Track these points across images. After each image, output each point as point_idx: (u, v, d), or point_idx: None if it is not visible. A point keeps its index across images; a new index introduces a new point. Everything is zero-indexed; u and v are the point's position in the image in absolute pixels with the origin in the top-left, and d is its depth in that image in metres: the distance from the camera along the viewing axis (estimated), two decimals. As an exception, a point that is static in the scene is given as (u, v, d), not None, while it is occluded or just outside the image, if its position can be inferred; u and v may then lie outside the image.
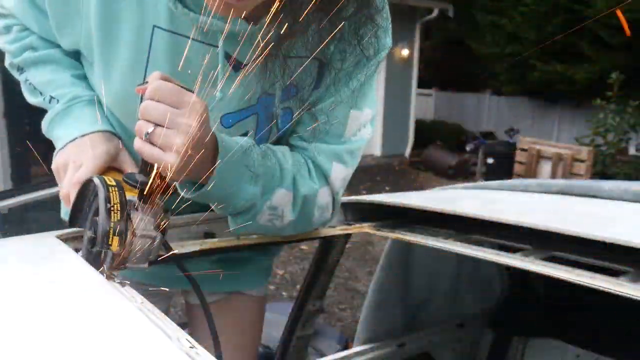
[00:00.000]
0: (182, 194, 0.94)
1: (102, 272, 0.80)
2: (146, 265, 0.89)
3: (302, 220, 1.10)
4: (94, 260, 0.83)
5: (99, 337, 0.58)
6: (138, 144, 0.84)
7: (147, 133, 0.82)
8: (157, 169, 0.84)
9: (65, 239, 1.01)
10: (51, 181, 2.37)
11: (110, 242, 0.80)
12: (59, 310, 0.65)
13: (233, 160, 0.92)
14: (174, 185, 0.91)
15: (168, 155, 0.82)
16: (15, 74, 1.15)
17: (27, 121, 6.61)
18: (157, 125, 0.82)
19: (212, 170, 0.90)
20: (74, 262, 0.86)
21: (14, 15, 1.12)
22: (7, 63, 1.16)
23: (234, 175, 0.94)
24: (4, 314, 0.64)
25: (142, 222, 0.86)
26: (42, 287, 0.72)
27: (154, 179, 0.86)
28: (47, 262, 0.87)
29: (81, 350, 0.55)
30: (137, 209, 0.87)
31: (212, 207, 1.00)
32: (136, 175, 0.89)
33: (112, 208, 0.81)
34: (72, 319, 0.63)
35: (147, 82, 0.84)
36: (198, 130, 0.82)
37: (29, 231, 1.08)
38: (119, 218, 0.81)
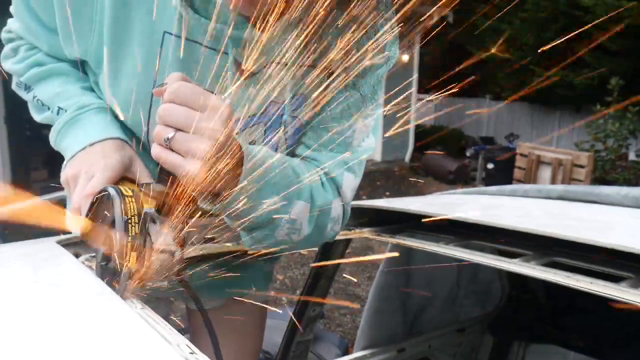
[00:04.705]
0: (202, 205, 0.87)
1: (117, 291, 0.75)
2: (165, 283, 0.82)
3: (317, 234, 1.06)
4: (109, 278, 0.77)
5: (98, 343, 0.58)
6: (156, 150, 0.78)
7: (167, 138, 0.76)
8: (177, 178, 0.78)
9: (65, 244, 1.01)
10: (51, 186, 2.37)
11: (127, 258, 0.74)
12: (59, 316, 0.65)
13: (256, 169, 0.87)
14: (195, 197, 0.83)
15: (190, 163, 0.76)
16: (22, 94, 1.12)
17: (27, 127, 6.63)
18: (177, 130, 0.76)
19: (237, 179, 0.85)
20: (74, 267, 0.86)
21: (21, 37, 1.10)
22: (13, 85, 1.13)
23: (256, 186, 0.88)
24: (4, 318, 0.64)
25: (160, 235, 0.80)
26: (42, 292, 0.72)
27: (173, 189, 0.80)
28: (47, 267, 0.86)
29: (81, 356, 0.55)
30: (154, 222, 0.81)
31: (227, 220, 0.95)
32: (154, 185, 0.82)
33: (129, 220, 0.75)
34: (72, 325, 0.63)
35: (165, 84, 0.78)
36: (223, 135, 0.76)
37: (29, 236, 1.07)
38: (137, 231, 0.75)
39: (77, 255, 0.96)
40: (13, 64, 1.12)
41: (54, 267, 0.86)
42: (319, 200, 1.02)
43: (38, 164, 7.40)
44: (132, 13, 0.95)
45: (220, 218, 0.92)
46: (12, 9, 1.08)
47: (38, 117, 1.11)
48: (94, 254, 0.96)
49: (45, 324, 0.62)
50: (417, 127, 12.81)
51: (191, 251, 1.06)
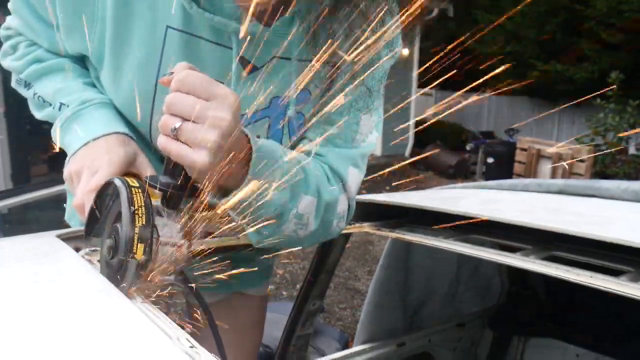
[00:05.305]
0: (209, 198, 0.86)
1: (122, 285, 0.73)
2: (172, 278, 0.80)
3: (322, 230, 1.04)
4: (114, 272, 0.75)
5: (98, 337, 0.58)
6: (163, 140, 0.76)
7: (174, 128, 0.75)
8: (184, 168, 0.77)
9: (66, 239, 1.01)
10: (51, 181, 2.37)
11: (134, 250, 0.72)
12: (59, 310, 0.65)
13: (264, 161, 0.86)
14: (202, 189, 0.82)
15: (197, 153, 0.75)
16: (22, 91, 1.10)
17: (27, 121, 6.63)
18: (184, 119, 0.75)
19: (246, 171, 0.84)
20: (74, 262, 0.86)
21: (20, 34, 1.09)
22: (13, 82, 1.12)
23: (265, 179, 0.87)
24: (3, 313, 0.64)
25: (167, 228, 0.79)
26: (42, 287, 0.72)
27: (180, 180, 0.79)
28: (47, 261, 0.86)
29: (81, 349, 0.55)
30: (161, 215, 0.80)
31: (233, 216, 0.93)
32: (160, 177, 0.80)
33: (136, 212, 0.73)
34: (72, 319, 0.63)
35: (172, 73, 0.77)
36: (231, 125, 0.76)
37: (29, 231, 1.07)
38: (144, 223, 0.73)
39: (77, 250, 0.96)
40: (12, 61, 1.11)
41: (54, 262, 0.86)
42: (325, 195, 1.01)
43: (38, 159, 7.40)
44: (134, 8, 0.95)
45: (225, 211, 0.91)
46: (10, 5, 1.07)
47: (39, 114, 1.10)
48: (94, 248, 0.96)
49: (45, 320, 0.62)
50: (417, 121, 12.81)
51: (194, 245, 1.05)
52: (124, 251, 0.72)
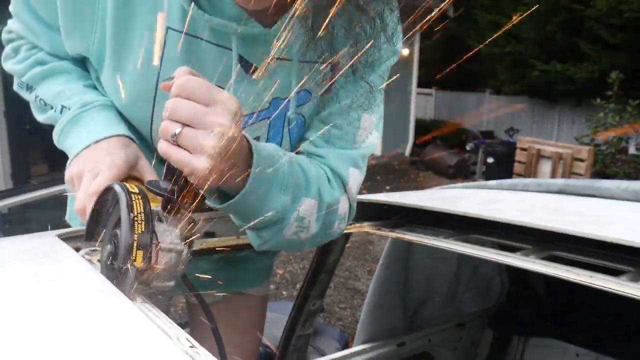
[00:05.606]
0: (209, 203, 0.87)
1: (124, 292, 0.73)
2: (172, 283, 0.80)
3: (323, 232, 1.04)
4: (115, 277, 0.75)
5: (98, 337, 0.58)
6: (163, 146, 0.76)
7: (175, 134, 0.74)
8: (184, 175, 0.77)
9: (66, 239, 1.01)
10: (51, 181, 2.37)
11: (133, 257, 0.72)
12: (59, 310, 0.65)
13: (265, 166, 0.86)
14: (202, 194, 0.82)
15: (198, 159, 0.74)
16: (24, 94, 1.10)
17: (27, 121, 6.63)
18: (185, 125, 0.74)
19: (246, 176, 0.84)
20: (74, 262, 0.86)
21: (22, 37, 1.09)
22: (15, 85, 1.11)
23: (265, 184, 0.88)
24: (3, 313, 0.64)
25: (167, 234, 0.79)
26: (42, 287, 0.72)
27: (180, 186, 0.79)
28: (47, 261, 0.86)
29: (81, 349, 0.55)
30: (161, 220, 0.80)
31: (234, 220, 0.94)
32: (160, 183, 0.81)
33: (135, 218, 0.73)
34: (72, 318, 0.63)
35: (173, 78, 0.77)
36: (231, 131, 0.75)
37: (29, 231, 1.07)
38: (143, 229, 0.73)
39: (77, 250, 0.96)
40: (14, 64, 1.10)
41: (54, 262, 0.86)
42: (326, 197, 1.00)
43: (38, 159, 7.40)
44: (134, 9, 0.94)
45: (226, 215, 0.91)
46: (11, 8, 1.07)
47: (41, 117, 1.09)
48: (94, 248, 0.96)
49: (45, 320, 0.62)
50: (417, 121, 12.82)
51: (194, 247, 1.05)
52: (123, 258, 0.72)
